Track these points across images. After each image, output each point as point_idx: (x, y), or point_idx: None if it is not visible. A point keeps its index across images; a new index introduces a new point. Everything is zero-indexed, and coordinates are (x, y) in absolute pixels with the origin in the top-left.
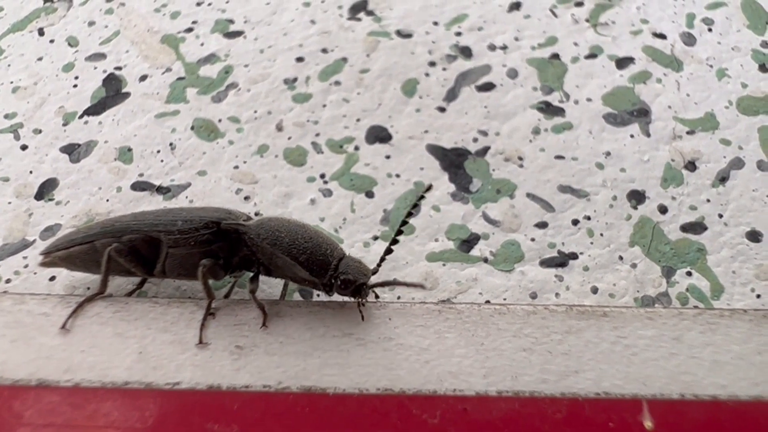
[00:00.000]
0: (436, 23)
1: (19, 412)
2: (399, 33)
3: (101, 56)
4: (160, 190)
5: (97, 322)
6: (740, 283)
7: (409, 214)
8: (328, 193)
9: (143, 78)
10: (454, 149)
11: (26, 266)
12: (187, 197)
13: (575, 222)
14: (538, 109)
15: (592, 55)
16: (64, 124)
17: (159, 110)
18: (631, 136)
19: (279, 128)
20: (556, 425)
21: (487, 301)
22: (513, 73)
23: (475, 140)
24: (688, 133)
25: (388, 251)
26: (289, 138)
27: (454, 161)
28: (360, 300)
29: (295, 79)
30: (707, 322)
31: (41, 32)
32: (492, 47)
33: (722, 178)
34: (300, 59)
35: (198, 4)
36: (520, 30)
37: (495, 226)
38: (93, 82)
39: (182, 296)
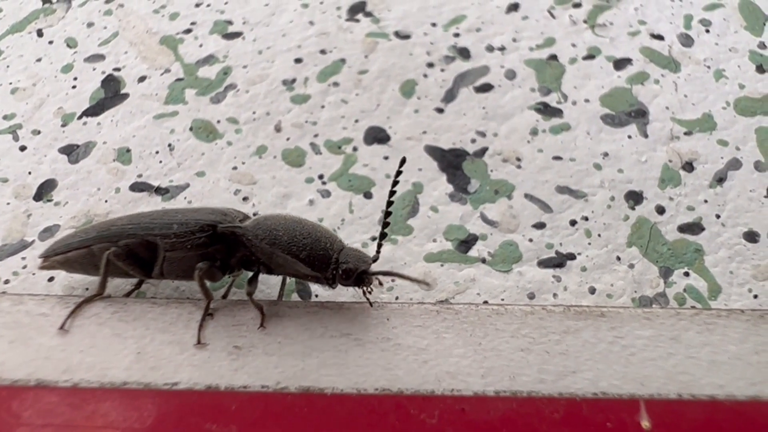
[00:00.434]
0: (434, 24)
1: (17, 413)
2: (397, 34)
3: (100, 57)
4: (158, 191)
5: (96, 322)
6: (737, 283)
7: (392, 193)
8: (326, 193)
9: (142, 79)
10: (452, 150)
11: (25, 267)
12: (185, 198)
13: (573, 222)
14: (536, 110)
15: (589, 56)
16: (63, 125)
17: (158, 111)
18: (629, 136)
19: (277, 129)
20: (553, 425)
21: (485, 302)
22: (511, 74)
23: (473, 141)
24: (685, 133)
25: (383, 236)
26: (288, 139)
27: (452, 162)
28: (365, 288)
29: (294, 80)
30: (705, 322)
31: (40, 33)
32: (490, 48)
33: (719, 179)
34: (298, 60)
35: (197, 6)
36: (518, 31)
37: (493, 227)
38: (92, 83)
39: (180, 297)
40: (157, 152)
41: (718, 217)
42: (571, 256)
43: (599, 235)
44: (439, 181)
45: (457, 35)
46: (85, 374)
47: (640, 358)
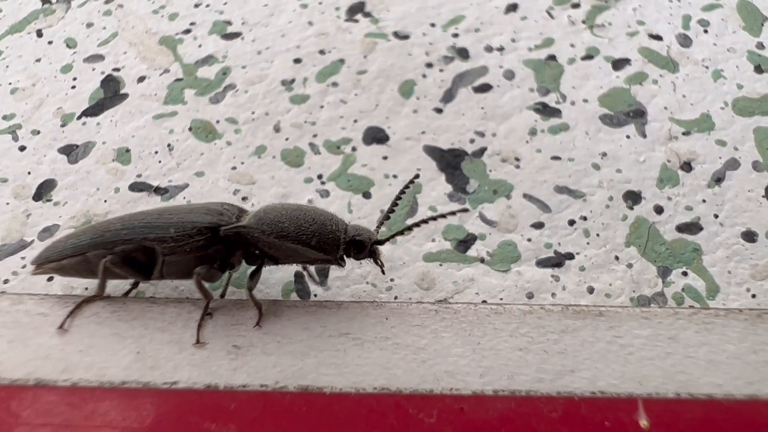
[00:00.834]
0: (433, 25)
1: (16, 412)
2: (396, 34)
3: (99, 58)
4: (158, 191)
5: (95, 322)
6: (736, 283)
7: (399, 197)
8: (325, 193)
9: (141, 79)
10: (451, 150)
11: (24, 267)
12: (184, 198)
13: (571, 222)
14: (534, 110)
15: (588, 57)
16: (63, 125)
17: (157, 111)
18: (627, 137)
19: (276, 129)
20: (552, 424)
21: (484, 301)
22: (510, 75)
23: (472, 141)
24: (683, 134)
25: (390, 211)
26: (287, 139)
27: (451, 162)
28: (377, 259)
29: (293, 81)
30: (703, 321)
31: (39, 34)
32: (489, 49)
33: (718, 179)
34: (297, 60)
35: (196, 6)
36: (517, 31)
37: (491, 227)
38: (91, 84)
39: (179, 296)
40: (156, 152)
41: (716, 216)
42: (570, 256)
43: (598, 235)
44: (438, 181)
45: (455, 35)
46: (84, 374)
47: (639, 357)
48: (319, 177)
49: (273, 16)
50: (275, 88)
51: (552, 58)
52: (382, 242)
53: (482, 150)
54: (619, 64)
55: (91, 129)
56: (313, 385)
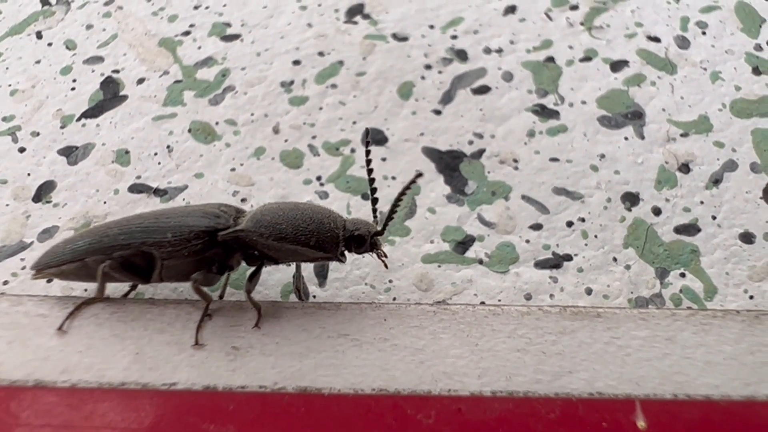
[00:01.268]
0: (431, 27)
1: (16, 413)
2: (395, 36)
3: (99, 59)
4: (157, 192)
5: (94, 323)
6: (733, 284)
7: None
8: (324, 195)
9: (141, 81)
10: (449, 152)
11: (23, 268)
12: (183, 199)
13: (570, 224)
14: (533, 111)
15: (586, 58)
16: (62, 127)
17: (156, 113)
18: (626, 138)
19: (275, 131)
20: (549, 425)
21: (482, 303)
22: (508, 76)
23: (471, 143)
24: (681, 135)
25: (374, 201)
26: (286, 140)
27: (449, 164)
28: (378, 251)
29: (292, 82)
30: (700, 322)
31: (39, 35)
32: (487, 50)
33: (716, 181)
34: (297, 62)
35: (195, 8)
36: (516, 33)
37: (490, 228)
38: (91, 85)
39: (178, 297)
40: (155, 154)
41: (714, 218)
42: (568, 257)
43: (596, 237)
44: (437, 182)
45: (454, 37)
46: (84, 375)
47: (636, 358)
48: (318, 178)
49: (272, 17)
50: (274, 90)
51: (550, 59)
52: (381, 232)
53: (481, 151)
54: (617, 65)
55: (91, 130)
56: (311, 386)
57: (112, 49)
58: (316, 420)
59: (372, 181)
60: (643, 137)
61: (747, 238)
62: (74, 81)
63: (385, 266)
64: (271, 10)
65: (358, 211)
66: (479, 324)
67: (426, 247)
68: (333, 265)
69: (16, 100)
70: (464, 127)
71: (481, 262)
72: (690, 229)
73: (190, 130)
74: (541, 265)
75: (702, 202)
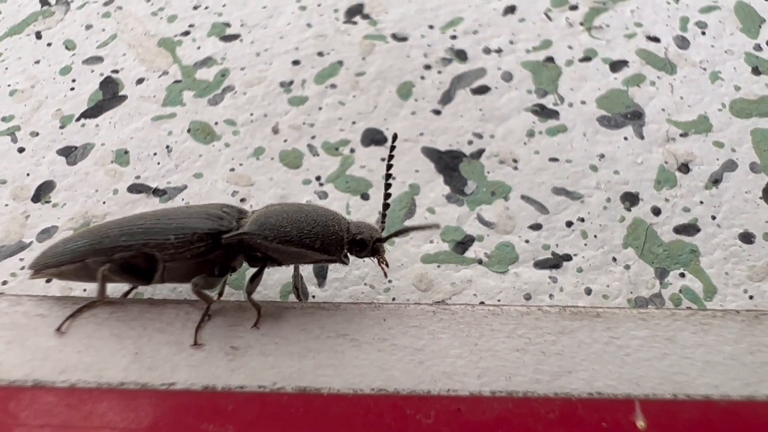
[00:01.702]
0: (431, 27)
1: (15, 413)
2: (394, 36)
3: (98, 59)
4: (156, 192)
5: (93, 322)
6: (733, 284)
7: (389, 167)
8: (323, 195)
9: (140, 81)
10: (449, 152)
11: (23, 268)
12: (183, 199)
13: (569, 224)
14: (532, 111)
15: (586, 59)
16: (61, 127)
17: (156, 113)
18: (625, 138)
19: (275, 131)
20: (549, 425)
21: (482, 303)
22: (508, 76)
23: (470, 143)
24: (681, 135)
25: (386, 206)
26: (285, 140)
27: (449, 164)
28: (379, 258)
29: (291, 82)
30: (700, 322)
31: (38, 35)
32: (487, 50)
33: (715, 180)
34: (296, 62)
35: (195, 8)
36: (515, 33)
37: (489, 228)
38: (90, 85)
39: (178, 297)
40: (155, 154)
41: (713, 218)
42: (567, 257)
43: (595, 237)
44: (436, 182)
45: (454, 37)
46: (83, 375)
47: (636, 358)
48: (318, 178)
49: (272, 18)
50: (274, 90)
51: (550, 59)
52: (384, 239)
53: (480, 151)
54: (616, 65)
55: (90, 131)
56: (310, 386)
57: (112, 49)
58: (315, 420)
59: (388, 186)
60: (642, 137)
61: (746, 238)
62: (73, 81)
63: (384, 274)
64: (270, 10)
65: (358, 211)
66: (479, 324)
67: (425, 247)
68: (333, 265)
69: (16, 100)
70: (464, 127)
71: (480, 262)
72: (689, 229)
73: (189, 130)
74: (540, 265)
75: (701, 202)
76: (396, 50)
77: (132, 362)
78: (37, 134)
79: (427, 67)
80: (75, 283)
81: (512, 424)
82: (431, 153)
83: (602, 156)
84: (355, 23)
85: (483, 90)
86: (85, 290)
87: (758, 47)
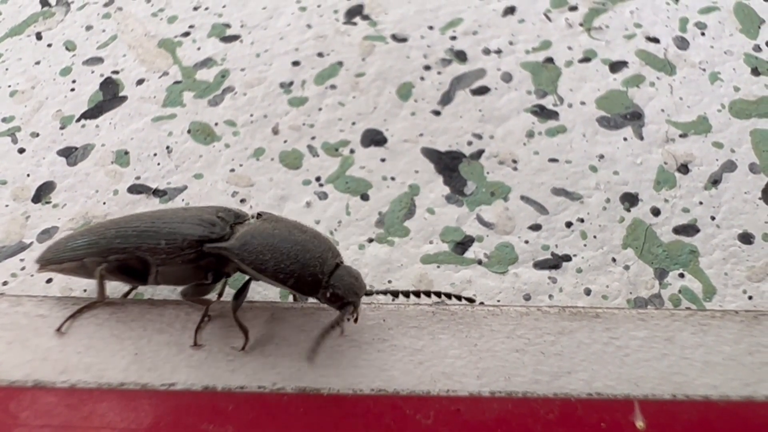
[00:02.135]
0: (431, 27)
1: (15, 414)
2: (394, 37)
3: (98, 60)
4: (156, 193)
5: (94, 323)
6: (732, 284)
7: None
8: (323, 195)
9: (140, 82)
10: (448, 152)
11: (23, 269)
12: (183, 200)
13: (569, 224)
14: (532, 112)
15: (585, 59)
16: (62, 128)
17: (156, 114)
18: (625, 139)
19: (275, 131)
20: (548, 426)
21: (481, 303)
22: (507, 77)
23: (470, 143)
24: (680, 136)
25: (392, 293)
26: (285, 141)
27: (448, 164)
28: (344, 316)
29: (291, 83)
30: (699, 323)
31: (39, 36)
32: (486, 51)
33: (714, 181)
34: (296, 63)
35: (195, 9)
36: (515, 34)
37: (489, 229)
38: (90, 86)
39: (178, 298)
40: (155, 154)
41: (713, 218)
42: (567, 258)
43: (595, 237)
44: (436, 183)
45: (453, 38)
46: (83, 375)
47: (635, 358)
48: (318, 179)
49: (272, 18)
50: (274, 91)
51: (549, 60)
52: (357, 304)
53: (480, 152)
54: (616, 66)
55: (90, 131)
56: (310, 386)
57: (112, 50)
58: (315, 420)
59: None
60: (642, 138)
61: (746, 238)
62: (74, 82)
63: (341, 330)
64: (270, 11)
65: (357, 211)
66: (478, 324)
67: (425, 248)
68: None
69: (16, 101)
70: (463, 127)
71: (480, 262)
72: (689, 229)
73: (189, 131)
74: (540, 265)
75: (701, 203)
76: (396, 51)
77: (132, 363)
78: (38, 135)
79: (427, 67)
80: (75, 283)
81: (511, 425)
82: (431, 153)
83: (602, 156)
84: (355, 24)
85: (483, 91)
86: (85, 290)
87: (758, 48)
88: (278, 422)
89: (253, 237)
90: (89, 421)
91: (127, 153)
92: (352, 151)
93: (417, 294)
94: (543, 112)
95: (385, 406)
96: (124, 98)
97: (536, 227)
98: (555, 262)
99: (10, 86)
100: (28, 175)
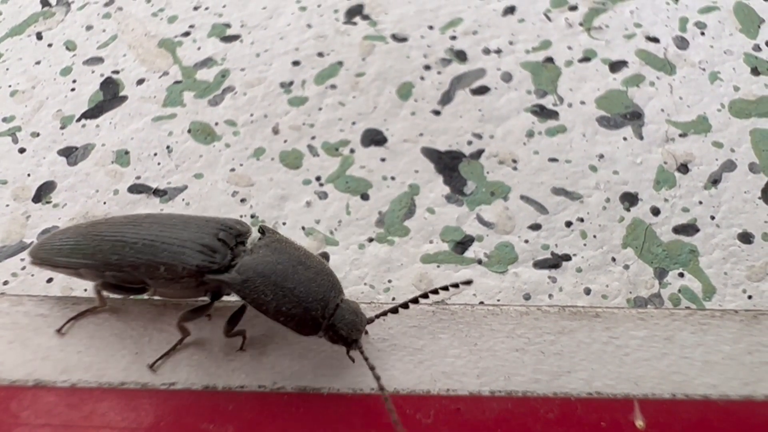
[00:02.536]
0: (431, 27)
1: (16, 413)
2: (394, 37)
3: (99, 60)
4: (157, 192)
5: (94, 322)
6: (732, 284)
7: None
8: (323, 195)
9: (140, 82)
10: (448, 152)
11: (23, 268)
12: (183, 200)
13: (568, 224)
14: (532, 112)
15: (585, 59)
16: (62, 128)
17: (156, 114)
18: (624, 138)
19: (275, 131)
20: (548, 425)
21: (481, 303)
22: (507, 77)
23: (470, 143)
24: (680, 135)
25: (393, 311)
26: (285, 141)
27: (448, 164)
28: (349, 350)
29: (291, 83)
30: (698, 322)
31: (39, 36)
32: (486, 51)
33: (714, 181)
34: (296, 63)
35: (195, 9)
36: (515, 34)
37: (489, 228)
38: (90, 86)
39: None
40: (155, 154)
41: (712, 218)
42: (567, 257)
43: (594, 237)
44: (436, 182)
45: (453, 38)
46: (83, 374)
47: (635, 358)
48: (318, 179)
49: (272, 18)
50: (274, 91)
51: (549, 60)
52: (358, 342)
53: (480, 152)
54: (616, 66)
55: (91, 131)
56: (310, 385)
57: (112, 50)
58: (315, 419)
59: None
60: (641, 137)
61: (745, 238)
62: (74, 82)
63: (352, 360)
64: (270, 11)
65: (357, 211)
66: (478, 324)
67: (425, 247)
68: (332, 264)
69: (17, 101)
70: (463, 127)
71: (480, 262)
72: (689, 229)
73: (189, 131)
74: (539, 265)
75: (701, 202)
76: (396, 51)
77: (132, 362)
78: (38, 135)
79: (427, 67)
80: (76, 283)
81: (511, 424)
82: (431, 153)
83: (601, 156)
84: (355, 24)
85: (482, 90)
86: (85, 290)
87: (757, 48)
88: (278, 421)
89: (256, 273)
90: (90, 420)
91: (127, 153)
92: (352, 151)
93: (415, 301)
94: (543, 112)
95: (385, 405)
96: (125, 98)
97: (536, 227)
98: (555, 262)
99: (10, 86)
100: (29, 175)
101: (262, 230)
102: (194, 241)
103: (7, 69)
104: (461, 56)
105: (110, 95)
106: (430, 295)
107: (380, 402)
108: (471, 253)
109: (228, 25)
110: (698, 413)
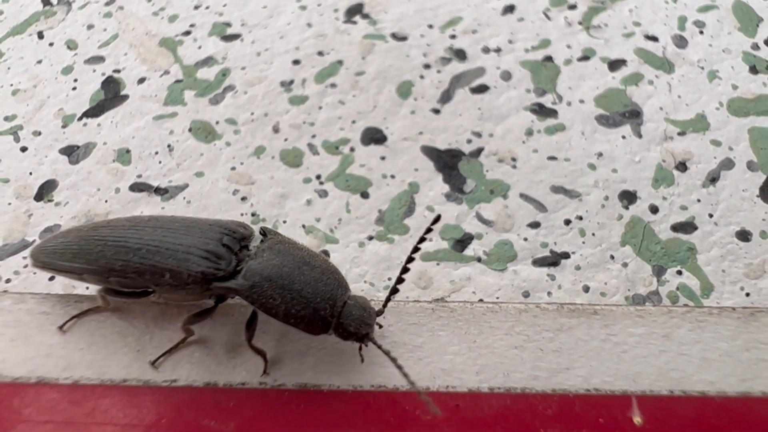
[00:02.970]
0: (430, 26)
1: (18, 410)
2: (394, 36)
3: (100, 59)
4: (158, 191)
5: (96, 320)
6: (730, 281)
7: (419, 244)
8: (323, 193)
9: (141, 80)
10: (448, 150)
11: (26, 266)
12: (184, 198)
13: (567, 222)
14: (531, 110)
15: (584, 58)
16: (63, 126)
17: (157, 112)
18: (623, 137)
19: (275, 130)
20: (546, 421)
21: (480, 300)
22: (506, 76)
23: (469, 141)
24: (679, 134)
25: (394, 291)
26: (286, 139)
27: (448, 162)
28: (361, 346)
29: (292, 82)
30: (696, 320)
31: (41, 35)
32: (486, 50)
33: (712, 179)
34: (296, 62)
35: (195, 8)
36: (514, 33)
37: (488, 226)
38: (92, 85)
39: None
40: (156, 153)
41: (710, 216)
42: (566, 255)
43: (593, 234)
44: (435, 181)
45: (453, 37)
46: (86, 371)
47: (633, 355)
48: (318, 177)
49: (272, 17)
50: (274, 89)
51: (549, 59)
52: (371, 334)
53: (479, 150)
54: (615, 65)
55: (92, 130)
56: (311, 382)
57: (113, 49)
58: (315, 416)
59: (405, 270)
60: (640, 136)
61: (743, 235)
62: (75, 81)
63: (362, 359)
64: (270, 10)
65: (357, 209)
66: (477, 321)
67: (425, 245)
68: (332, 261)
69: (18, 100)
70: (463, 126)
71: (479, 259)
72: (687, 227)
73: (190, 129)
74: (538, 262)
75: (699, 200)
76: (395, 50)
77: (134, 359)
78: (40, 133)
79: (427, 66)
80: (77, 282)
81: (510, 420)
82: (430, 152)
83: (600, 154)
84: (354, 23)
85: (482, 89)
86: (87, 288)
87: (756, 46)
88: (279, 418)
89: (263, 278)
90: (92, 417)
91: (128, 151)
92: (352, 150)
93: (408, 264)
94: (542, 111)
95: (384, 402)
96: (126, 97)
97: (535, 225)
98: (554, 260)
99: (12, 85)
100: (31, 174)
101: (264, 232)
102: (198, 247)
103: (9, 68)
104: (461, 55)
105: (111, 94)
106: (410, 261)
107: (380, 399)
108: (470, 250)
109: (228, 24)
110: (696, 410)
